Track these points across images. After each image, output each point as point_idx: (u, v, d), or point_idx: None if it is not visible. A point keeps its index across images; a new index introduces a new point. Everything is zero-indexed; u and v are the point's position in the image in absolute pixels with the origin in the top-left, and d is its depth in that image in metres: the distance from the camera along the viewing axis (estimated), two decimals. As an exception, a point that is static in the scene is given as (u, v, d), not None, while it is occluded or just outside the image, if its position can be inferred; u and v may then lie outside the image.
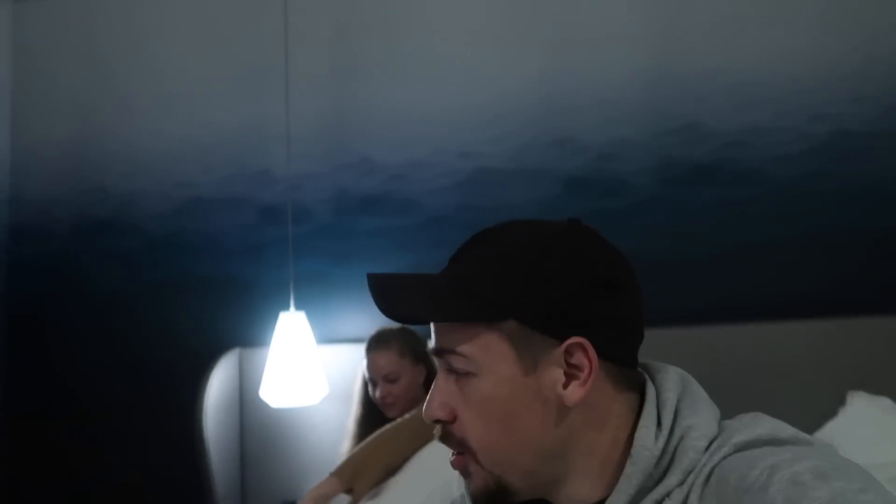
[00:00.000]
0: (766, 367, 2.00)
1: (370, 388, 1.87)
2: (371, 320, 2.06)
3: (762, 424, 0.62)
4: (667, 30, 2.20)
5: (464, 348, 0.62)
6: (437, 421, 0.64)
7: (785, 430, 0.62)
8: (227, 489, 2.20)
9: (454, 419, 0.63)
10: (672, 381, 0.64)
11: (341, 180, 2.39)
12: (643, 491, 0.61)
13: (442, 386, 0.64)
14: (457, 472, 0.65)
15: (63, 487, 2.50)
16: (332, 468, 1.70)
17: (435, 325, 0.64)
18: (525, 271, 0.61)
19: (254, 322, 2.36)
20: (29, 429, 2.57)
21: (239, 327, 2.38)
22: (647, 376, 0.66)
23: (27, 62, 2.71)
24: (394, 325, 1.86)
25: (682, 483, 0.60)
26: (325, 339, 2.21)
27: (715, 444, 0.61)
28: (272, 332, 2.11)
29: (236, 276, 2.44)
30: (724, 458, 0.60)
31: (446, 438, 0.64)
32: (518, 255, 0.62)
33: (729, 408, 0.68)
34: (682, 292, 2.10)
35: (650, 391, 0.64)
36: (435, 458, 1.63)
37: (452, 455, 0.64)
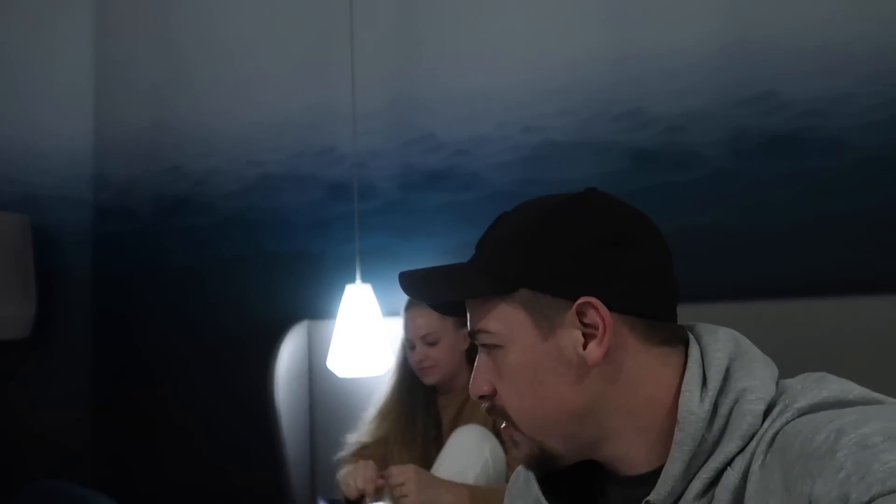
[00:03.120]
0: (845, 344, 1.91)
1: (407, 353, 1.76)
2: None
3: (827, 386, 0.60)
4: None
5: (487, 323, 0.65)
6: (483, 397, 0.67)
7: (852, 389, 0.59)
8: (298, 456, 2.27)
9: (496, 393, 0.66)
10: (722, 342, 0.63)
11: (406, 157, 2.41)
12: (699, 456, 0.60)
13: (482, 363, 0.67)
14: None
15: (144, 453, 2.62)
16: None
17: (468, 310, 0.68)
18: (529, 240, 0.64)
19: (321, 295, 2.41)
20: (113, 394, 2.71)
21: (307, 300, 2.44)
22: (692, 337, 0.65)
23: (108, 50, 2.84)
24: None
25: (742, 450, 0.59)
26: (391, 311, 2.24)
27: (777, 409, 0.59)
28: (339, 305, 2.15)
29: (304, 251, 2.50)
30: (788, 422, 0.58)
31: (493, 411, 0.67)
32: (523, 227, 0.65)
33: None
34: (756, 266, 2.02)
35: (694, 352, 0.63)
36: (470, 438, 1.61)
37: (502, 425, 0.67)
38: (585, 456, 0.65)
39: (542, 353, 0.63)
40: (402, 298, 2.30)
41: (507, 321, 0.64)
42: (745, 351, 0.63)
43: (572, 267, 0.62)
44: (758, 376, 0.61)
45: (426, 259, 2.35)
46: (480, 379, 0.66)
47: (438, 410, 1.77)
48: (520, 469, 0.74)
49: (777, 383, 0.62)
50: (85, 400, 2.71)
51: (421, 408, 1.75)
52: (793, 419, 0.57)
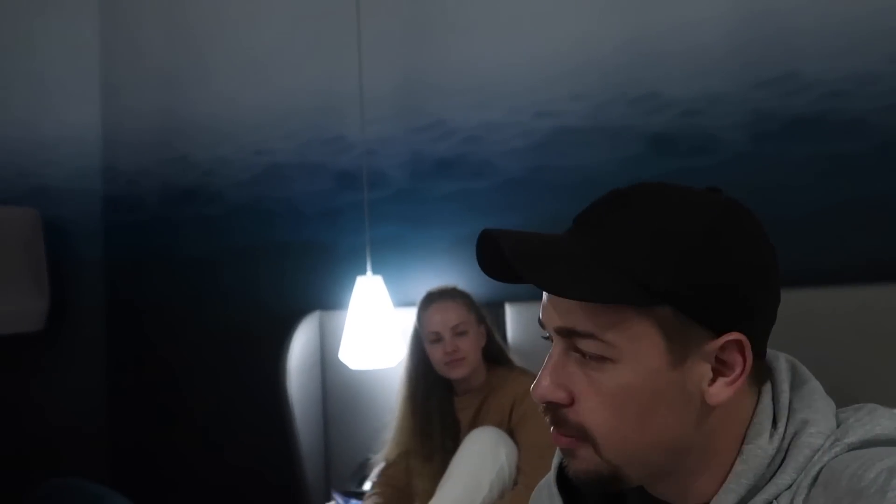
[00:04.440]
0: (873, 332, 1.86)
1: (428, 348, 1.72)
2: (446, 284, 2.05)
3: (881, 422, 0.56)
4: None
5: (606, 333, 0.55)
6: (549, 403, 0.58)
7: None
8: (312, 448, 2.26)
9: (571, 403, 0.57)
10: (784, 372, 0.59)
11: (416, 144, 2.36)
12: (753, 491, 0.56)
13: (559, 365, 0.57)
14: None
15: (158, 443, 2.64)
16: None
17: (564, 302, 0.56)
18: (686, 252, 0.54)
19: (333, 286, 2.39)
20: (127, 384, 2.72)
21: (318, 291, 2.42)
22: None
23: (115, 38, 2.81)
24: (444, 286, 1.80)
25: (791, 484, 0.55)
26: (402, 302, 2.21)
27: (828, 443, 0.56)
28: (350, 296, 2.12)
29: (314, 240, 2.48)
30: (835, 457, 0.55)
31: (559, 422, 0.58)
32: (678, 233, 0.55)
33: (832, 378, 0.62)
34: (780, 253, 1.97)
35: (766, 387, 0.59)
36: (485, 441, 1.58)
37: (556, 432, 0.59)
38: (651, 484, 0.60)
39: (665, 382, 0.55)
40: (413, 289, 2.28)
41: (634, 336, 0.54)
42: (803, 380, 0.60)
43: (730, 296, 0.54)
44: (819, 409, 0.57)
45: (437, 249, 2.32)
46: (553, 383, 0.57)
47: (455, 412, 1.74)
48: (542, 486, 0.68)
49: (835, 417, 0.58)
50: (100, 390, 2.72)
51: (437, 417, 1.72)
52: (841, 454, 0.54)
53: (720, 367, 0.56)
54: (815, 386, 0.60)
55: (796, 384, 0.59)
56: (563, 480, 0.64)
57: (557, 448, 0.62)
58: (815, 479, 0.54)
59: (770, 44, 2.02)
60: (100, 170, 2.79)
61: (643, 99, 2.13)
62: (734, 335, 0.55)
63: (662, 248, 0.54)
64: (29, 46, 2.73)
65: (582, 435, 0.57)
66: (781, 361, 0.60)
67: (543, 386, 0.57)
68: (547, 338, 0.60)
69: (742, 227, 0.57)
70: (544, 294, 0.58)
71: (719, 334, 0.55)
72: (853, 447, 0.55)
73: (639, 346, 0.54)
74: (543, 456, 1.55)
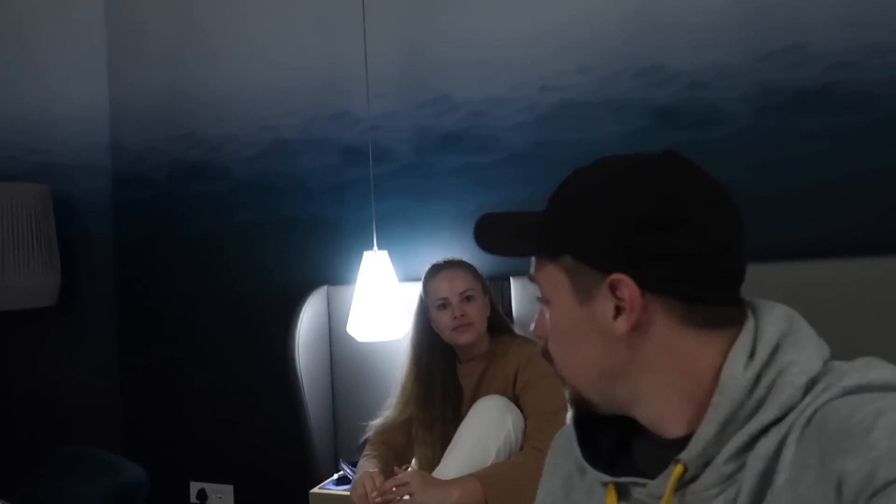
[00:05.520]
0: (878, 305, 1.87)
1: (436, 315, 1.74)
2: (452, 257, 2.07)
3: (876, 369, 0.59)
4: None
5: (538, 278, 0.70)
6: (541, 337, 0.72)
7: None
8: (320, 419, 2.30)
9: (545, 337, 0.71)
10: (776, 318, 0.63)
11: (421, 119, 2.37)
12: (734, 422, 0.60)
13: (542, 309, 0.72)
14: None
15: (169, 416, 2.69)
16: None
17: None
18: (580, 209, 0.66)
19: (340, 261, 2.42)
20: (138, 358, 2.76)
21: (326, 266, 2.45)
22: (749, 312, 0.65)
23: (120, 15, 2.81)
24: (450, 257, 1.84)
25: (779, 421, 0.59)
26: (408, 276, 2.24)
27: (820, 386, 0.59)
28: (357, 271, 2.15)
29: (321, 216, 2.50)
30: (830, 400, 0.57)
31: (545, 354, 0.72)
32: (581, 192, 0.67)
33: (835, 350, 0.64)
34: (783, 225, 1.98)
35: (748, 325, 0.63)
36: (492, 409, 1.61)
37: None
38: (620, 411, 0.68)
39: (578, 317, 0.66)
40: (419, 264, 2.30)
41: (552, 281, 0.68)
42: (797, 328, 0.63)
43: (612, 243, 0.64)
44: (805, 351, 0.61)
45: (443, 224, 2.34)
46: (538, 322, 0.72)
47: (458, 380, 1.76)
48: (563, 430, 0.79)
49: (826, 363, 0.61)
50: (112, 365, 2.77)
51: (439, 386, 1.74)
52: (836, 398, 0.57)
53: (623, 304, 0.64)
54: (808, 332, 0.63)
55: (791, 330, 0.63)
56: (578, 424, 0.73)
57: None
58: (809, 420, 0.57)
59: (775, 15, 2.01)
60: (108, 147, 2.81)
61: (648, 72, 2.12)
62: (615, 275, 0.63)
63: (565, 208, 0.67)
64: (36, 26, 2.74)
65: (552, 363, 0.71)
66: (776, 309, 0.64)
67: (537, 325, 0.72)
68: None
69: (642, 178, 0.64)
70: None
71: (607, 276, 0.64)
72: (848, 391, 0.57)
73: (557, 290, 0.68)
74: (551, 421, 1.59)
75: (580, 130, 2.19)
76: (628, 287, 0.63)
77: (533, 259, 0.71)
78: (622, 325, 0.64)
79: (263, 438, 2.52)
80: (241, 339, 2.58)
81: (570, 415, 0.73)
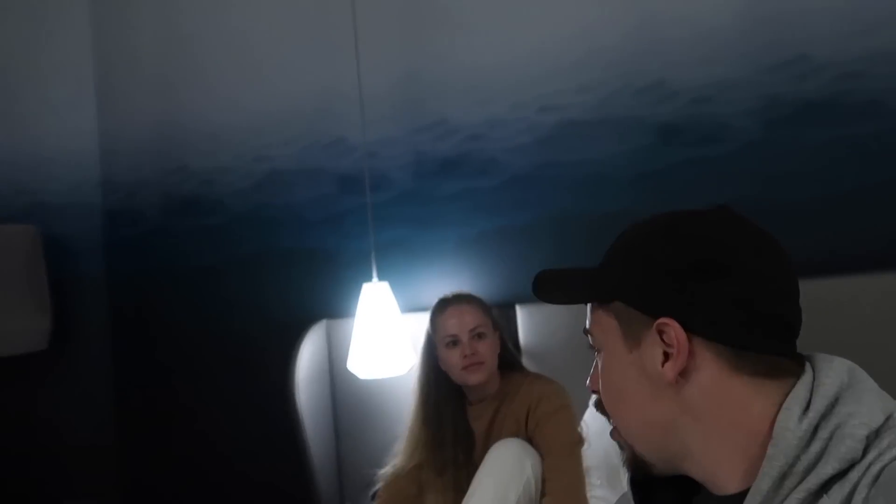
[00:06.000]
0: (892, 320, 1.80)
1: (444, 354, 1.66)
2: (454, 287, 2.00)
3: None
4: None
5: (591, 327, 0.71)
6: (595, 392, 0.72)
7: None
8: (324, 460, 2.22)
9: (599, 391, 0.71)
10: (835, 370, 0.62)
11: (418, 144, 2.31)
12: (792, 477, 0.58)
13: (595, 362, 0.72)
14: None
15: (166, 455, 2.60)
16: None
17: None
18: (630, 255, 0.68)
19: (339, 293, 2.35)
20: (134, 399, 2.68)
21: (325, 299, 2.38)
22: (808, 365, 0.64)
23: (108, 46, 2.76)
24: (459, 291, 1.76)
25: (842, 476, 0.57)
26: (409, 307, 2.16)
27: (885, 440, 0.57)
28: (356, 303, 2.08)
29: (318, 247, 2.43)
30: None
31: (599, 408, 0.72)
32: (632, 242, 0.69)
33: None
34: (794, 241, 1.90)
35: (806, 377, 0.62)
36: (510, 453, 1.54)
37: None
38: (676, 469, 0.67)
39: (627, 364, 0.67)
40: (421, 294, 2.23)
41: (603, 328, 0.69)
42: (858, 381, 0.62)
43: (660, 287, 0.65)
44: (865, 403, 0.60)
45: (444, 251, 2.27)
46: (592, 377, 0.72)
47: (469, 423, 1.68)
48: (623, 495, 0.77)
49: (890, 416, 0.60)
50: (107, 408, 2.69)
51: (450, 428, 1.65)
52: None
53: (671, 350, 0.64)
54: (869, 386, 0.62)
55: (851, 383, 0.61)
56: (636, 487, 0.72)
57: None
58: (877, 477, 0.55)
59: (778, 26, 1.96)
60: (98, 183, 2.75)
61: (650, 88, 2.07)
62: (662, 319, 0.64)
63: (615, 257, 0.69)
64: (22, 60, 2.69)
65: (608, 418, 0.71)
66: (836, 362, 0.63)
67: (591, 379, 0.72)
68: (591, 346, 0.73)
69: (691, 227, 0.67)
70: None
71: (656, 320, 0.64)
72: None
73: (607, 336, 0.69)
74: (566, 458, 1.51)
75: (582, 151, 2.14)
76: (675, 330, 0.63)
77: (588, 312, 0.72)
78: (670, 371, 0.64)
79: (266, 480, 2.43)
80: (239, 377, 2.50)
81: (627, 478, 0.72)
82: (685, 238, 0.66)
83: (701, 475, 0.66)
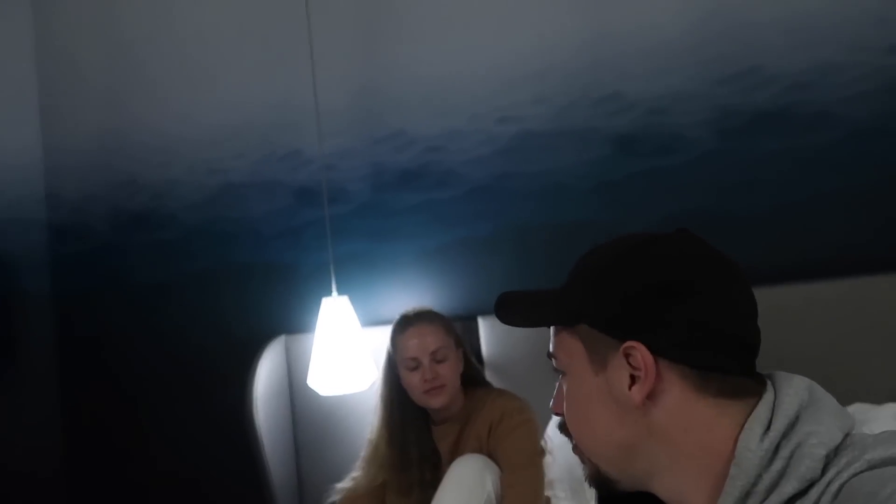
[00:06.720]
0: (845, 325, 1.84)
1: (405, 375, 1.62)
2: (415, 300, 1.97)
3: None
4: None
5: (555, 350, 0.71)
6: (558, 415, 0.72)
7: None
8: (283, 479, 2.16)
9: (563, 414, 0.71)
10: (795, 389, 0.62)
11: (376, 156, 2.28)
12: (753, 496, 0.59)
13: (559, 385, 0.72)
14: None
15: (118, 480, 2.50)
16: None
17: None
18: (594, 279, 0.68)
19: (297, 308, 2.30)
20: (83, 422, 2.58)
21: (283, 314, 2.32)
22: (769, 384, 0.64)
23: (51, 56, 2.66)
24: (418, 309, 1.70)
25: (802, 495, 0.58)
26: (370, 321, 2.13)
27: (844, 459, 0.58)
28: (316, 318, 2.03)
29: (276, 261, 2.38)
30: (855, 474, 0.56)
31: (563, 429, 0.72)
32: (596, 265, 0.69)
33: (807, 372, 0.65)
34: (748, 249, 1.94)
35: (767, 396, 0.62)
36: (470, 470, 1.52)
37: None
38: (641, 486, 0.67)
39: (594, 386, 0.67)
40: (381, 307, 2.20)
41: (568, 351, 0.69)
42: (817, 399, 0.62)
43: (624, 310, 0.65)
44: (824, 422, 0.60)
45: (404, 264, 2.25)
46: (555, 399, 0.72)
47: (435, 443, 1.65)
48: None
49: (848, 435, 0.61)
50: (54, 431, 2.58)
51: (415, 447, 1.62)
52: (861, 470, 0.56)
53: (637, 373, 0.64)
54: (828, 404, 0.62)
55: (809, 402, 0.62)
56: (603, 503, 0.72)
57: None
58: (836, 495, 0.56)
59: (730, 39, 2.00)
60: (43, 198, 2.64)
61: (606, 100, 2.09)
62: (631, 343, 0.63)
63: (579, 280, 0.69)
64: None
65: (571, 438, 0.71)
66: (794, 380, 0.64)
67: (554, 402, 0.72)
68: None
69: (650, 252, 0.66)
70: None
71: (622, 343, 0.64)
72: (873, 465, 0.56)
73: (573, 359, 0.68)
74: (533, 464, 1.50)
75: (541, 161, 2.14)
76: (642, 354, 0.63)
77: (551, 335, 0.71)
78: (637, 394, 0.64)
79: (223, 502, 2.36)
80: (195, 396, 2.43)
81: (595, 494, 0.72)
82: (649, 260, 0.66)
83: (666, 494, 0.66)
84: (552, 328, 0.71)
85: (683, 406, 0.63)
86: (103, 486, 2.52)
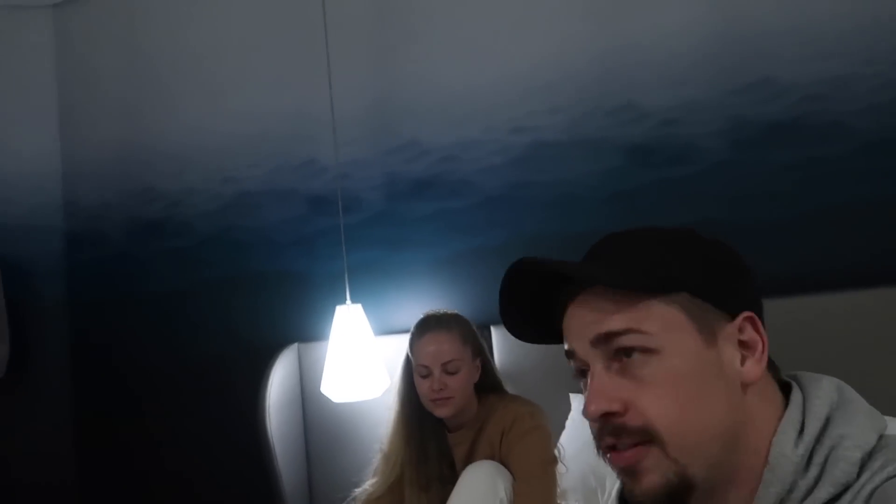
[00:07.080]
0: (858, 338, 1.83)
1: (416, 379, 1.60)
2: (428, 309, 1.98)
3: None
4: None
5: (643, 324, 0.59)
6: (603, 415, 0.59)
7: None
8: (294, 486, 2.16)
9: (626, 410, 0.58)
10: (825, 391, 0.60)
11: (390, 165, 2.30)
12: (787, 503, 0.57)
13: (605, 380, 0.59)
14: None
15: (131, 487, 2.51)
16: None
17: (594, 313, 0.60)
18: (686, 247, 0.62)
19: (311, 316, 2.31)
20: (96, 430, 2.59)
21: (296, 322, 2.33)
22: (795, 385, 0.62)
23: (71, 67, 2.71)
24: (442, 312, 1.68)
25: (836, 500, 0.56)
26: (383, 329, 2.14)
27: (878, 462, 0.56)
28: (329, 326, 2.04)
29: (290, 270, 2.39)
30: (889, 478, 0.55)
31: (619, 433, 0.58)
32: (673, 240, 0.63)
33: None
34: (760, 260, 1.92)
35: (796, 397, 0.61)
36: (483, 475, 1.52)
37: (613, 449, 0.59)
38: (708, 496, 0.59)
39: (705, 362, 0.58)
40: (395, 316, 2.21)
41: (669, 325, 0.59)
42: (848, 400, 0.60)
43: (733, 282, 0.61)
44: (857, 424, 0.58)
45: (418, 272, 2.25)
46: (605, 396, 0.58)
47: (449, 448, 1.65)
48: None
49: (882, 436, 0.59)
50: (67, 439, 2.59)
51: (433, 445, 1.61)
52: (894, 475, 0.55)
53: (744, 350, 0.60)
54: (859, 404, 0.60)
55: (840, 403, 0.60)
56: None
57: (616, 481, 0.62)
58: (867, 500, 0.54)
59: (743, 50, 2.01)
60: (60, 205, 2.68)
61: (620, 110, 2.10)
62: (747, 313, 0.59)
63: (667, 250, 0.61)
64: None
65: (647, 437, 0.57)
66: (824, 381, 0.61)
67: (596, 401, 0.59)
68: (579, 371, 0.63)
69: (706, 237, 0.64)
70: (567, 324, 0.63)
71: (734, 316, 0.60)
72: None
73: (674, 333, 0.58)
74: (545, 473, 1.49)
75: (554, 171, 2.15)
76: (758, 326, 0.60)
77: (619, 307, 0.59)
78: (754, 370, 0.59)
79: (235, 510, 2.36)
80: (208, 404, 2.44)
81: (613, 499, 0.66)
82: (716, 241, 0.64)
83: (731, 498, 0.59)
84: (607, 304, 0.59)
85: (766, 389, 0.60)
86: (116, 492, 2.53)
